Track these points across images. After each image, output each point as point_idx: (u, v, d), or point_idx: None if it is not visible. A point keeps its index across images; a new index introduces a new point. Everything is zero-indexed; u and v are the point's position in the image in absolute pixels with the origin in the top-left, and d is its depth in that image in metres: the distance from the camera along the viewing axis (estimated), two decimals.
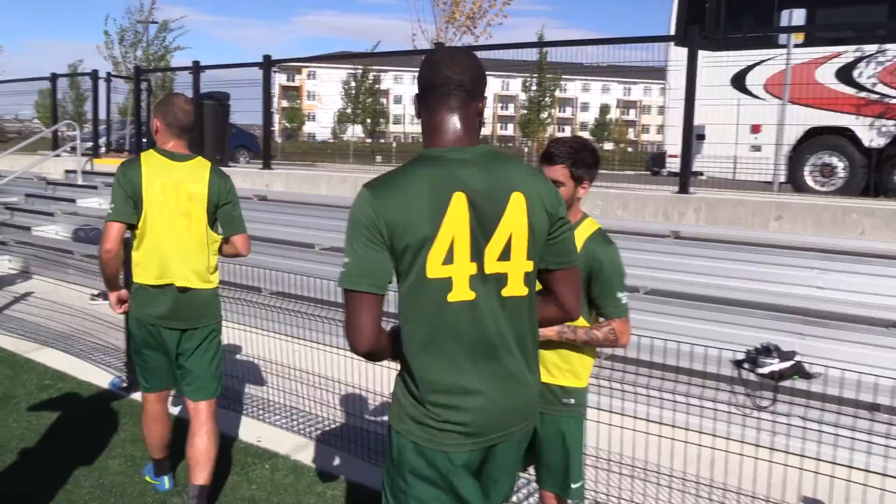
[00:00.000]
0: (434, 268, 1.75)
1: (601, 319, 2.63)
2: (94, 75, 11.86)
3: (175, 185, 3.34)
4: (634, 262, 6.23)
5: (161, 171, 3.34)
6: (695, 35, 7.20)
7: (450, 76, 1.85)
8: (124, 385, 5.25)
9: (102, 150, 13.30)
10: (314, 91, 69.90)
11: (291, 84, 73.23)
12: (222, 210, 3.46)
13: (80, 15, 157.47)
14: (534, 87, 41.11)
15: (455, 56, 1.91)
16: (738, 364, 4.81)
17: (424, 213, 1.73)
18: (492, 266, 1.80)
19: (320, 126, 63.22)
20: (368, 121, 48.95)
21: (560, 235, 1.92)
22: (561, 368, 2.63)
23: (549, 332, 2.50)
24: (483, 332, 1.81)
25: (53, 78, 12.66)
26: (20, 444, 4.24)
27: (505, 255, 1.81)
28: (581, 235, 2.57)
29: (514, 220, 1.81)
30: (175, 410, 4.64)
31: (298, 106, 69.01)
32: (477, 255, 1.78)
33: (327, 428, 4.63)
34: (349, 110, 48.50)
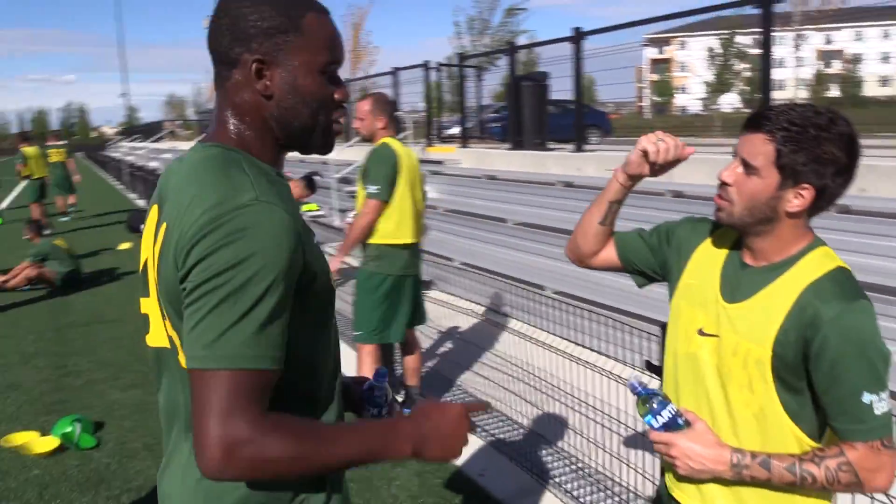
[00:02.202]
0: (141, 300, 1.31)
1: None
2: (425, 66, 12.34)
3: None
4: None
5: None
6: None
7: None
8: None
9: (444, 134, 13.81)
10: (685, 62, 66.66)
11: (661, 56, 70.98)
12: None
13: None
14: None
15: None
16: None
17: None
18: (161, 333, 1.27)
19: (692, 98, 60.13)
20: (747, 88, 44.75)
21: (185, 300, 1.12)
22: None
23: (714, 464, 1.50)
24: (163, 392, 1.30)
25: (394, 71, 13.52)
26: None
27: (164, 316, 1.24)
28: (799, 278, 1.48)
29: (150, 250, 1.25)
30: None
31: (668, 79, 66.49)
32: None
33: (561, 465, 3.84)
34: (715, 79, 44.89)
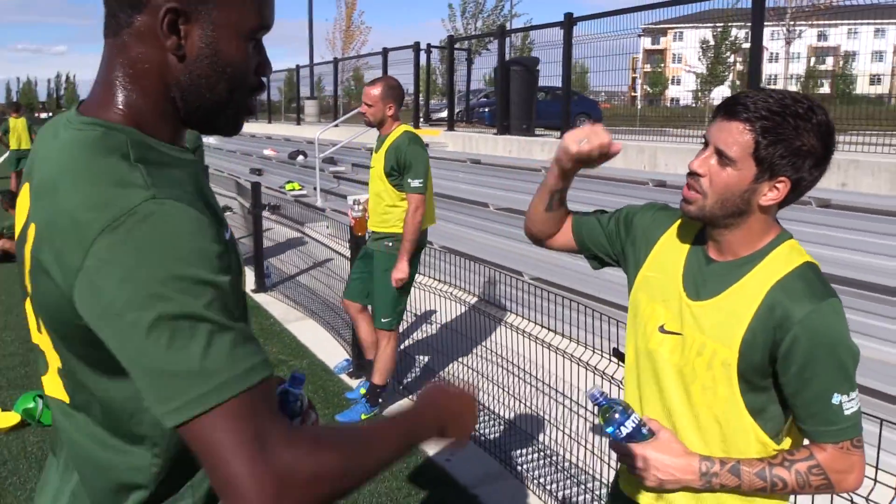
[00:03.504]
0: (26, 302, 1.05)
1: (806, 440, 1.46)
2: (415, 47, 12.21)
3: None
4: None
5: None
6: None
7: None
8: (350, 370, 5.00)
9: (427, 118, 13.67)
10: (680, 53, 66.68)
11: (656, 47, 70.78)
12: None
13: None
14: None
15: None
16: None
17: None
18: (37, 337, 1.04)
19: (685, 90, 59.83)
20: (738, 82, 44.69)
21: (116, 349, 0.87)
22: None
23: (683, 474, 1.43)
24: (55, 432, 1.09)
25: (385, 52, 13.36)
26: None
27: (39, 325, 1.01)
28: (767, 275, 1.41)
29: (21, 250, 0.99)
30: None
31: (661, 70, 66.65)
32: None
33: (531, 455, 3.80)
34: (707, 71, 44.94)
